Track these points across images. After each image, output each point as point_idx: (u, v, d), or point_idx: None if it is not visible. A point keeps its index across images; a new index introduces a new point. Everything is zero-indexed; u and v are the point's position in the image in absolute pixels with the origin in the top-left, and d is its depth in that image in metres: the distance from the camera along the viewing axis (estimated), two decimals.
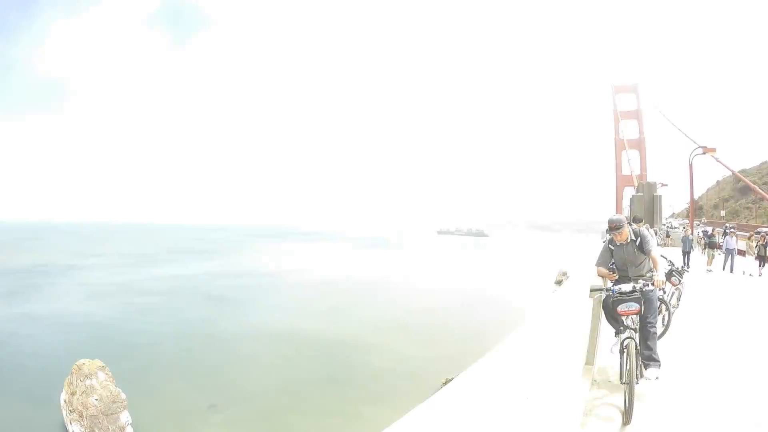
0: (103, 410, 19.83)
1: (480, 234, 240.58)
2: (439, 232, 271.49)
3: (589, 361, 4.66)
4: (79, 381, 20.46)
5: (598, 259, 4.87)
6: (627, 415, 3.75)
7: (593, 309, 4.68)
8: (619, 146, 59.37)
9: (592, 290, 4.55)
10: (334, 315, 44.56)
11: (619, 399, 4.13)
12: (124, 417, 20.02)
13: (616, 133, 59.89)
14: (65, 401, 21.19)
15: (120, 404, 20.06)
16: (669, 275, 7.15)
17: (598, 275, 4.98)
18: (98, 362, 20.34)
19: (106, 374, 20.62)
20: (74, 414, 20.80)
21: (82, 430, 20.73)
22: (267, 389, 24.91)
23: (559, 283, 62.04)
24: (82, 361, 20.31)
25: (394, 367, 27.58)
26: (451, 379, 19.17)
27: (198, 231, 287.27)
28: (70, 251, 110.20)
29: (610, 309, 4.26)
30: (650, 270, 4.55)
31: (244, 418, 20.98)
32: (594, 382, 4.68)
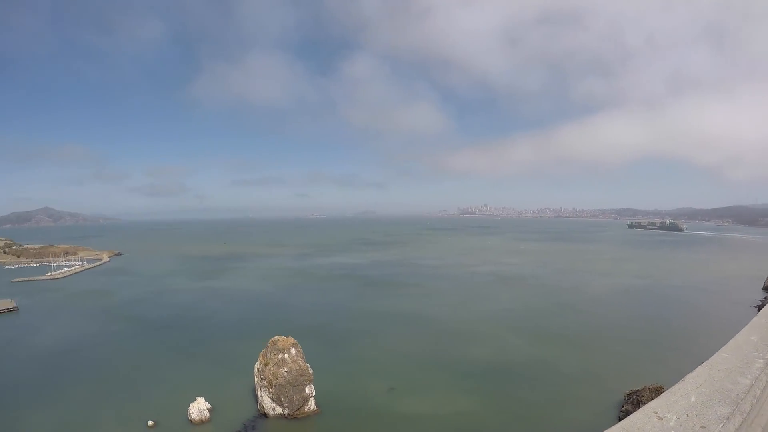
0: (291, 381, 23.42)
1: (674, 228, 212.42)
2: (630, 226, 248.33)
3: None
4: (272, 354, 24.53)
5: None
6: None
7: None
8: None
9: None
10: (505, 309, 44.01)
11: None
12: (309, 389, 23.40)
13: None
14: (258, 370, 25.46)
15: (306, 378, 23.49)
16: None
17: None
18: (291, 339, 24.20)
19: (297, 350, 24.37)
20: (264, 382, 24.89)
21: (270, 396, 24.68)
22: (444, 380, 25.49)
23: (767, 289, 51.97)
24: (276, 337, 24.36)
25: (573, 373, 26.39)
26: (636, 391, 18.62)
27: (379, 224, 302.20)
28: (260, 242, 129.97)
29: None
30: None
31: (423, 410, 22.05)
32: None
